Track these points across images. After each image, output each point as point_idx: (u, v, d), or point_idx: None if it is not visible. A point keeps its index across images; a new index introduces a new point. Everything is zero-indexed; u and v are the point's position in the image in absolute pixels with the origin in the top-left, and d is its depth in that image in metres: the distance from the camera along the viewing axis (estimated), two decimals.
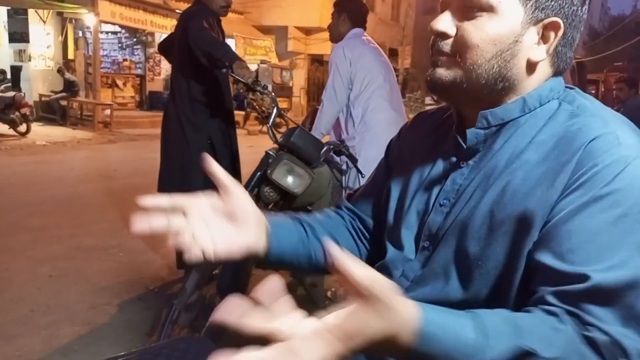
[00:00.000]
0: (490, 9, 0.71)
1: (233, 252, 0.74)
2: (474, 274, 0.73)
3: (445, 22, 0.74)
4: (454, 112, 0.83)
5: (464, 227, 0.74)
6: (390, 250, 0.87)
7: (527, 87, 0.75)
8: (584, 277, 0.61)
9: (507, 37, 0.71)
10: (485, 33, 0.71)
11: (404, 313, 0.54)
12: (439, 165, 0.83)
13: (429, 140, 0.88)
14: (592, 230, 0.63)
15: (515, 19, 0.71)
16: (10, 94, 8.69)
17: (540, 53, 0.73)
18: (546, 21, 0.71)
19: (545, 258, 0.65)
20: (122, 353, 1.00)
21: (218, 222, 0.72)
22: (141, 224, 0.67)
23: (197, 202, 0.71)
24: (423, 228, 0.82)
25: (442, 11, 0.76)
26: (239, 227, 0.74)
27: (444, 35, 0.74)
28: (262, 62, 14.84)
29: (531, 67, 0.74)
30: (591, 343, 0.60)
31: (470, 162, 0.78)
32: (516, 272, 0.69)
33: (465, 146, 0.78)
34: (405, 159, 0.91)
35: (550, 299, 0.62)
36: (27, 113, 8.83)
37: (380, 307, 0.52)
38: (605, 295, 0.61)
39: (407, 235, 0.84)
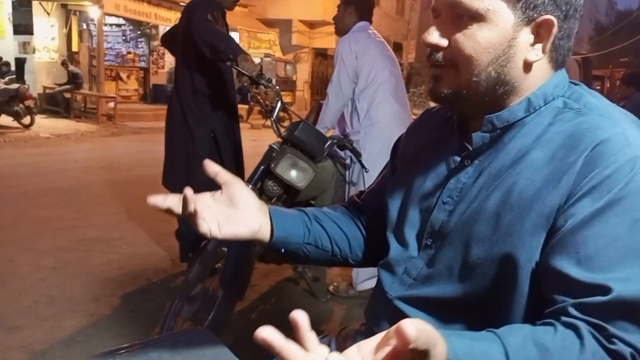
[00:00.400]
0: (479, 18, 0.70)
1: (238, 234, 0.78)
2: (476, 274, 0.72)
3: (436, 35, 0.74)
4: (455, 114, 0.82)
5: (469, 227, 0.74)
6: (394, 247, 0.87)
7: (530, 87, 0.74)
8: (605, 289, 0.61)
9: (500, 44, 0.70)
10: (478, 43, 0.70)
11: (439, 353, 0.53)
12: (443, 164, 0.82)
13: (434, 138, 0.88)
14: (610, 235, 0.63)
15: (506, 23, 0.70)
16: (15, 86, 8.70)
17: (536, 53, 0.72)
18: (538, 20, 0.70)
19: (562, 265, 0.64)
20: (125, 345, 1.00)
21: (222, 208, 0.78)
22: (157, 199, 0.73)
23: (201, 196, 0.76)
24: (426, 225, 0.81)
25: (434, 18, 0.75)
26: (241, 214, 0.79)
27: (437, 48, 0.74)
28: (266, 55, 14.81)
29: (529, 67, 0.73)
30: (616, 357, 0.60)
31: (475, 161, 0.77)
32: (519, 274, 0.68)
33: (470, 148, 0.78)
34: (411, 157, 0.91)
35: (573, 311, 0.62)
36: (31, 105, 8.84)
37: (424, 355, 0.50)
38: (628, 307, 0.61)
39: (410, 233, 0.84)
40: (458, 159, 0.80)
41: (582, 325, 0.60)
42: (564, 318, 0.62)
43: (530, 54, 0.72)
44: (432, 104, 0.92)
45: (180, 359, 0.89)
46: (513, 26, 0.70)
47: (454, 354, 0.55)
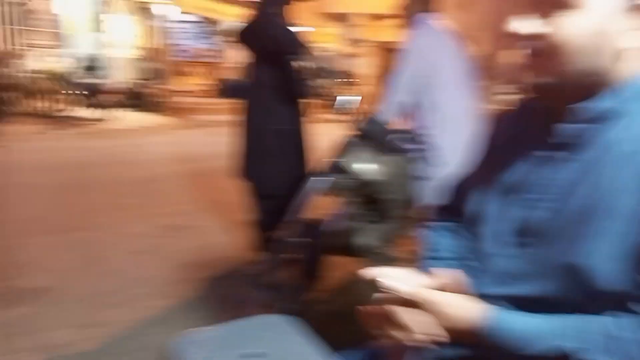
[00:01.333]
0: (574, 5, 0.68)
1: None
2: (567, 271, 0.70)
3: (529, 25, 0.71)
4: (543, 107, 0.79)
5: (555, 224, 0.72)
6: (479, 244, 0.85)
7: (624, 75, 0.71)
8: None
9: (595, 30, 0.68)
10: (571, 30, 0.68)
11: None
12: (531, 158, 0.79)
13: (518, 131, 0.85)
14: None
15: (602, 9, 0.67)
16: (98, 80, 9.31)
17: (633, 39, 0.69)
18: (636, 5, 0.67)
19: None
20: (209, 327, 1.07)
21: None
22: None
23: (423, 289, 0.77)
24: (514, 222, 0.79)
25: (525, 11, 0.73)
26: None
27: (527, 38, 0.72)
28: (329, 49, 14.79)
29: (625, 54, 0.70)
30: None
31: (563, 156, 0.75)
32: (607, 271, 0.66)
33: (558, 141, 0.75)
34: (496, 151, 0.89)
35: (631, 304, 0.63)
36: (113, 99, 9.41)
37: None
38: None
39: (497, 230, 0.82)
40: (545, 154, 0.77)
41: (625, 316, 0.64)
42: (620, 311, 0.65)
43: (627, 41, 0.69)
44: (502, 97, 0.90)
45: (265, 342, 0.92)
46: (610, 12, 0.68)
47: (496, 315, 0.72)
